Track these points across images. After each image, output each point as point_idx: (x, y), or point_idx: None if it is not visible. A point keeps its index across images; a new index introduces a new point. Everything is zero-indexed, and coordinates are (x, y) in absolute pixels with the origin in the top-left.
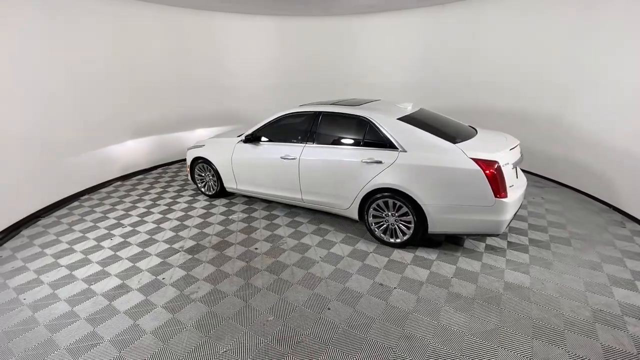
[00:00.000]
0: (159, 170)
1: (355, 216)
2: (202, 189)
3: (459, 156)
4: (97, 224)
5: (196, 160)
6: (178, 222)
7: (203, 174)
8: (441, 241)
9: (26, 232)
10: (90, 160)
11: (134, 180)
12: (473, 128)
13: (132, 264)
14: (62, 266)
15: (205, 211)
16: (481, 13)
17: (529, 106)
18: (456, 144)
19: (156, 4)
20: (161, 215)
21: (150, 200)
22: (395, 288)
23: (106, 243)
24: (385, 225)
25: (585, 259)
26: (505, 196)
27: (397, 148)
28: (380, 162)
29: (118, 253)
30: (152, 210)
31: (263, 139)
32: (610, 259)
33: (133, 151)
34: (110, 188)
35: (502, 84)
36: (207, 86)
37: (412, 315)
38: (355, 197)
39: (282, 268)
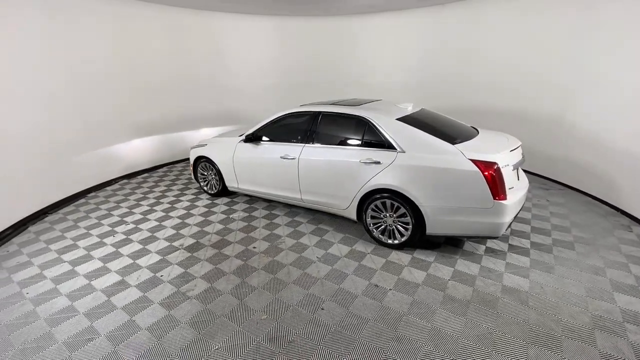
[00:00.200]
0: (164, 168)
1: (354, 216)
2: (205, 188)
3: (458, 157)
4: (101, 221)
5: (199, 159)
6: (179, 221)
7: (206, 173)
8: (440, 243)
9: (33, 228)
10: (96, 158)
11: (139, 178)
12: (475, 129)
13: (133, 261)
14: (65, 262)
15: (206, 210)
16: (481, 13)
17: (529, 106)
18: (455, 145)
19: (156, 4)
20: (164, 214)
21: (154, 198)
22: (390, 289)
23: (109, 240)
24: (383, 226)
25: (588, 264)
26: (505, 198)
27: (395, 149)
28: (378, 163)
29: (120, 250)
30: (155, 208)
31: (264, 138)
32: (615, 263)
33: (138, 150)
34: (116, 186)
35: (502, 84)
36: (207, 86)
37: (406, 317)
38: (354, 198)
39: (279, 267)
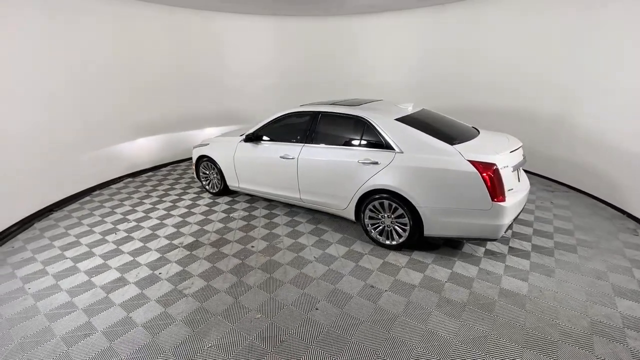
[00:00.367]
0: (169, 167)
1: (352, 217)
2: (207, 187)
3: (456, 158)
4: (104, 219)
5: (201, 158)
6: (180, 219)
7: (208, 172)
8: (439, 245)
9: (38, 225)
10: (101, 157)
11: (143, 177)
12: (476, 129)
13: (132, 258)
14: (67, 258)
15: (207, 209)
16: (481, 13)
17: (529, 106)
18: (454, 146)
19: (156, 4)
20: (165, 212)
21: (157, 196)
22: (386, 291)
23: (110, 237)
24: (381, 227)
25: (590, 268)
26: (503, 200)
27: (394, 149)
28: (376, 163)
29: (120, 247)
30: (157, 206)
31: (264, 138)
32: (618, 268)
33: (143, 149)
34: (120, 184)
35: (502, 84)
36: (207, 86)
37: (400, 318)
38: (352, 198)
39: (276, 267)
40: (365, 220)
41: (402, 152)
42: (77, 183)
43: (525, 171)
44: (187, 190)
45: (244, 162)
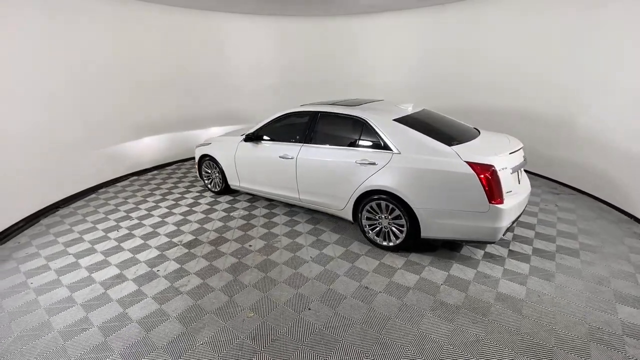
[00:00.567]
0: (174, 166)
1: (350, 217)
2: (209, 186)
3: (453, 159)
4: (108, 216)
5: (203, 157)
6: (181, 217)
7: (210, 171)
8: (438, 246)
9: (45, 221)
10: (106, 156)
11: (148, 175)
12: (477, 130)
13: (132, 255)
14: (70, 254)
15: (208, 207)
16: (481, 13)
17: (529, 106)
18: (452, 146)
19: (156, 4)
20: (167, 210)
21: (160, 195)
22: (380, 292)
23: (112, 234)
24: (378, 228)
25: (592, 273)
26: (501, 202)
27: (391, 149)
28: (374, 164)
29: (121, 244)
30: (160, 204)
31: (264, 138)
32: (621, 273)
33: (148, 148)
34: (126, 182)
35: (502, 84)
36: (207, 86)
37: (393, 320)
38: (350, 198)
39: (272, 266)
40: (363, 221)
41: (399, 153)
42: (81, 181)
43: (530, 173)
44: (189, 189)
45: (244, 162)
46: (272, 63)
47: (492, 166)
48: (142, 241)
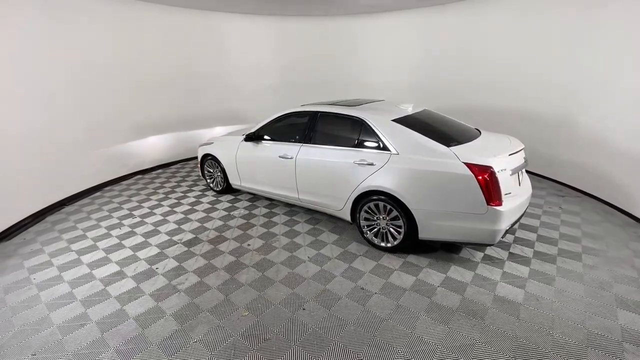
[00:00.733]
0: (178, 165)
1: (348, 218)
2: (211, 185)
3: (451, 160)
4: (111, 214)
5: (206, 157)
6: (183, 216)
7: (212, 170)
8: (436, 248)
9: (50, 218)
10: (112, 154)
11: (153, 174)
12: (478, 130)
13: (133, 253)
14: (72, 251)
15: (210, 206)
16: (481, 13)
17: (529, 106)
18: (450, 147)
19: (156, 4)
20: (169, 208)
21: (163, 193)
22: (375, 293)
23: (115, 232)
24: (376, 229)
25: (594, 277)
26: (500, 204)
27: (389, 150)
28: (372, 164)
29: (123, 242)
30: (162, 203)
31: (265, 137)
32: (624, 278)
33: (153, 147)
34: (131, 180)
35: (502, 84)
36: (207, 86)
37: (387, 322)
38: (348, 199)
39: (269, 265)
40: (361, 221)
41: (397, 154)
42: (89, 178)
43: (535, 174)
44: (192, 188)
45: (245, 161)
46: (272, 63)
47: (490, 167)
48: (143, 239)
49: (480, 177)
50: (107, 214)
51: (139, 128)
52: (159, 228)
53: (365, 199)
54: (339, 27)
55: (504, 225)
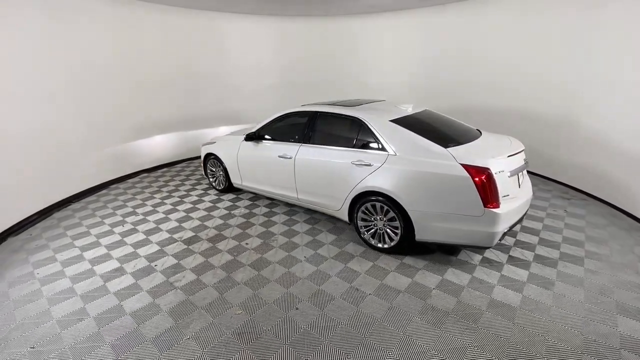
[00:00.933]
0: (183, 164)
1: (346, 218)
2: (213, 184)
3: (448, 161)
4: (115, 211)
5: (208, 156)
6: (184, 214)
7: (214, 170)
8: (434, 250)
9: (57, 215)
10: (117, 153)
11: (158, 172)
12: (479, 131)
13: (133, 250)
14: (76, 247)
15: (211, 205)
16: (481, 13)
17: (529, 106)
18: (448, 148)
19: (157, 4)
20: (171, 207)
21: (167, 192)
22: (370, 294)
23: (118, 229)
24: (374, 230)
25: (595, 282)
26: (497, 206)
27: (387, 150)
28: (369, 165)
29: (125, 239)
30: (165, 201)
31: (265, 137)
32: (626, 284)
33: (159, 145)
34: (136, 179)
35: (502, 84)
36: (207, 86)
37: (379, 323)
38: (346, 199)
39: (265, 265)
40: (358, 222)
41: (395, 154)
42: (95, 176)
43: (539, 176)
44: (195, 187)
45: (246, 161)
46: (272, 63)
47: (487, 169)
48: (145, 236)
49: (477, 179)
50: (111, 211)
51: (139, 128)
52: (161, 226)
53: (363, 200)
54: (339, 27)
55: (502, 227)
